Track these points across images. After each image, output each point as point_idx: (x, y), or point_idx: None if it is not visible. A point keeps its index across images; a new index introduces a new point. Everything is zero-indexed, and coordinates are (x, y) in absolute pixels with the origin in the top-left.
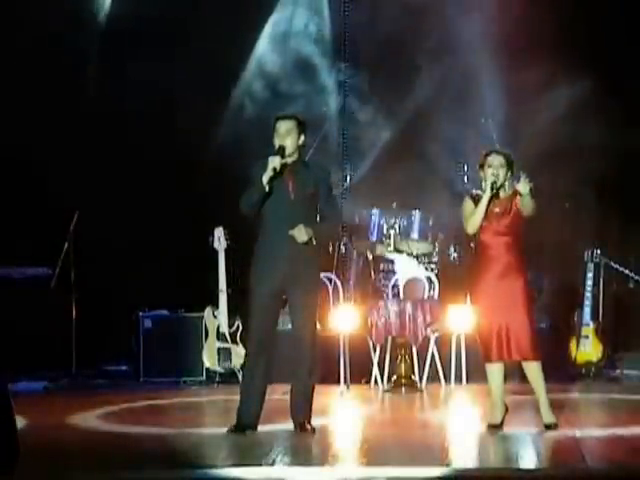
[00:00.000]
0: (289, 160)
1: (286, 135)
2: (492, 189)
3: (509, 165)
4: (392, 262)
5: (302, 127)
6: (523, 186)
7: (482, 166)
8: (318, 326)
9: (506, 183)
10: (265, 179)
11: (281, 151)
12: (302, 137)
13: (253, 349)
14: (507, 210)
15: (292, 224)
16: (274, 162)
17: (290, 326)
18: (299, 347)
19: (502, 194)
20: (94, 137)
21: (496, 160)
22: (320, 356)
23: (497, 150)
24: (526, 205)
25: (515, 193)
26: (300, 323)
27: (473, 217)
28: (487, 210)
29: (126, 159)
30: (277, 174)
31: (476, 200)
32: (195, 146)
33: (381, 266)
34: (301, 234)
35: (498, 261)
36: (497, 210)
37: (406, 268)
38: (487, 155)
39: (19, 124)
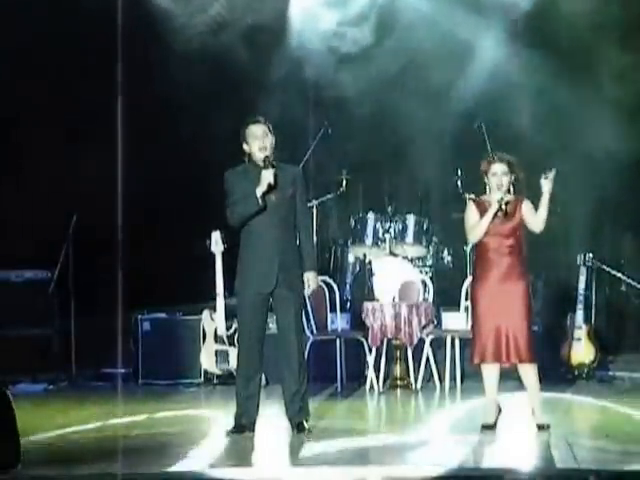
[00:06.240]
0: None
1: (264, 138)
2: (499, 206)
3: (512, 170)
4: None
5: (271, 130)
6: (547, 182)
7: (485, 173)
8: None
9: (510, 188)
10: (259, 193)
11: (269, 163)
12: (273, 139)
13: (245, 351)
14: (512, 213)
15: (275, 227)
16: (268, 177)
17: (275, 328)
18: (286, 348)
19: (507, 197)
20: (93, 138)
21: (499, 169)
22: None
23: (500, 157)
24: (540, 218)
25: (521, 199)
26: (287, 324)
27: (476, 229)
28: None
29: (125, 161)
30: (271, 187)
31: (479, 205)
32: (195, 147)
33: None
34: (314, 282)
35: (500, 263)
36: (502, 216)
37: (397, 271)
38: (490, 162)
39: (18, 125)
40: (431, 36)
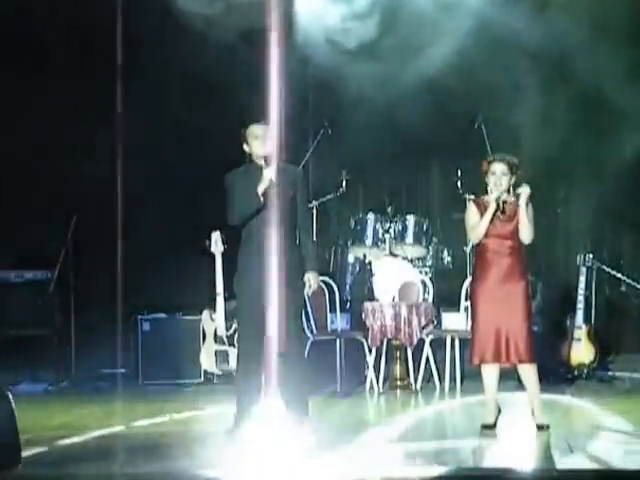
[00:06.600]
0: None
1: (264, 138)
2: (497, 204)
3: (512, 171)
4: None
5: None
6: (523, 189)
7: (485, 172)
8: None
9: (510, 189)
10: (261, 191)
11: (269, 161)
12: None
13: (245, 351)
14: (511, 215)
15: (275, 227)
16: (269, 174)
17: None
18: (286, 347)
19: (505, 197)
20: (93, 137)
21: (498, 168)
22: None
23: (500, 157)
24: (525, 228)
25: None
26: (287, 324)
27: (477, 229)
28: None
29: (124, 162)
30: (272, 185)
31: (479, 205)
32: (196, 146)
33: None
34: (315, 282)
35: (500, 264)
36: (501, 215)
37: (397, 272)
38: (490, 162)
39: (20, 127)
40: (434, 33)
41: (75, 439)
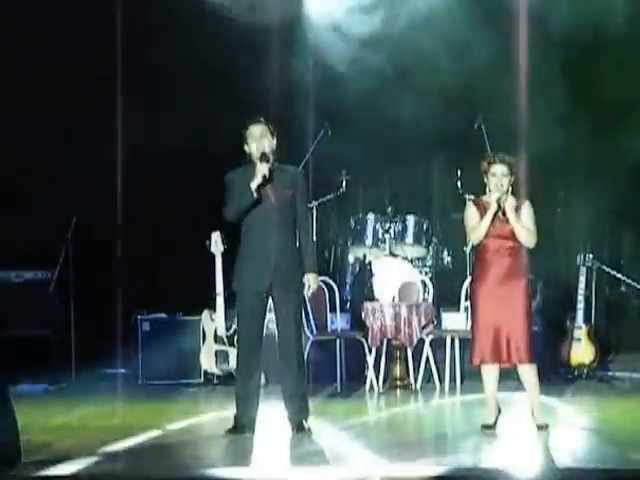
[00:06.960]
0: (274, 165)
1: (262, 138)
2: (498, 205)
3: (512, 172)
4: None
5: (272, 131)
6: (508, 202)
7: (485, 173)
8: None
9: (509, 189)
10: (254, 186)
11: (265, 157)
12: (274, 140)
13: (244, 350)
14: None
15: (274, 227)
16: (263, 169)
17: (275, 328)
18: (286, 348)
19: (506, 197)
20: (93, 140)
21: (499, 170)
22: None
23: (500, 158)
24: (522, 235)
25: (521, 201)
26: (286, 324)
27: (477, 230)
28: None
29: (124, 162)
30: (266, 181)
31: (478, 205)
32: (194, 149)
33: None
34: (315, 283)
35: (500, 264)
36: (501, 215)
37: (397, 272)
38: (490, 163)
39: (21, 128)
40: (436, 33)
41: (75, 439)
